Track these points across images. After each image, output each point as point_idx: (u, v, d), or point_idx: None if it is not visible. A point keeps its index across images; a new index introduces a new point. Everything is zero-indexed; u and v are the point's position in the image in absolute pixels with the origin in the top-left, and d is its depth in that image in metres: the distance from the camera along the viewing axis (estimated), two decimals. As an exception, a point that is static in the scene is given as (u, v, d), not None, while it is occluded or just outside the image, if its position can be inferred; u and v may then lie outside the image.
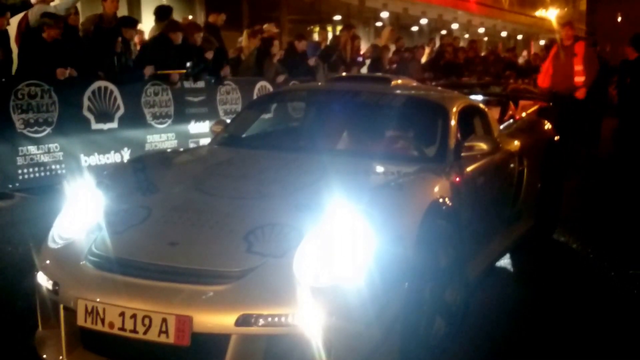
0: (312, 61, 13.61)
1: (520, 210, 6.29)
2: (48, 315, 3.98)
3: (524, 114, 7.98)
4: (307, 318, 3.42)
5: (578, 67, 11.90)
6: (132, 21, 11.03)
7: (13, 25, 9.68)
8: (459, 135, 5.35)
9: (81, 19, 10.79)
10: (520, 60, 22.71)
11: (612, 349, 4.64)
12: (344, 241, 3.68)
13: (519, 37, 47.59)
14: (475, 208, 5.09)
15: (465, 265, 4.73)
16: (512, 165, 6.08)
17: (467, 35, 34.00)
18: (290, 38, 20.30)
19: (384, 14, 33.53)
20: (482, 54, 21.00)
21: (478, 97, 7.73)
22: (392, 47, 17.15)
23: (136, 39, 11.92)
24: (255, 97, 12.17)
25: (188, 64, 11.00)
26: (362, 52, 15.94)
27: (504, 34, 46.04)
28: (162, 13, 11.88)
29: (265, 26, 13.82)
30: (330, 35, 18.98)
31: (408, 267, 3.85)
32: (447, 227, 4.41)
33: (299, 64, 13.53)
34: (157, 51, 10.53)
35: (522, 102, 8.70)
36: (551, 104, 10.24)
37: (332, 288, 3.52)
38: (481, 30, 43.20)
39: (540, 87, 12.14)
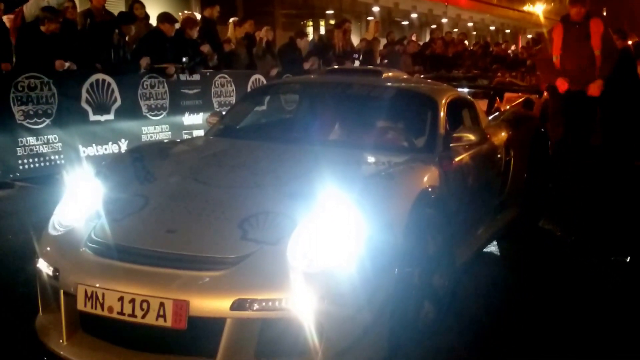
0: (308, 64, 13.68)
1: (507, 199, 6.36)
2: (48, 300, 4.05)
3: (508, 107, 8.03)
4: (300, 302, 3.49)
5: (597, 52, 8.69)
6: (130, 17, 11.15)
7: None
8: (447, 126, 5.43)
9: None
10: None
11: (594, 331, 4.70)
12: (335, 229, 3.75)
13: (507, 31, 47.72)
14: (463, 197, 5.16)
15: (453, 252, 4.80)
16: (499, 155, 6.14)
17: (456, 30, 34.06)
18: (284, 32, 20.40)
19: (376, 9, 33.59)
20: (471, 47, 21.10)
21: (464, 90, 7.78)
22: (383, 41, 17.25)
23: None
24: (249, 89, 12.27)
25: (184, 59, 11.10)
26: (355, 46, 16.03)
27: (492, 28, 46.17)
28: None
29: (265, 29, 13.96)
30: (322, 30, 19.03)
31: (397, 253, 3.92)
32: (436, 215, 4.48)
33: (297, 61, 13.62)
34: (151, 44, 10.63)
35: (507, 95, 8.76)
36: (545, 95, 9.93)
37: (324, 273, 3.60)
38: (470, 24, 43.31)
39: (547, 84, 9.15)
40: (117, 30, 10.36)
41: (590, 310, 5.11)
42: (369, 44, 16.10)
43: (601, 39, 8.64)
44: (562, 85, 8.69)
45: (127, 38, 10.93)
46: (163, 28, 10.80)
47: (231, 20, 13.83)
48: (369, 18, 32.29)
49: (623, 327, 4.82)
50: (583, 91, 8.68)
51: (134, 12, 11.70)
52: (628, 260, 6.26)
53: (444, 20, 39.80)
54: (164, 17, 11.01)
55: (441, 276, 4.59)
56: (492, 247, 6.43)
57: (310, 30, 28.92)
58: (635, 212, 7.90)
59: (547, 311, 5.07)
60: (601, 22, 8.82)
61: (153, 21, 11.92)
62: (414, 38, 19.72)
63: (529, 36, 34.85)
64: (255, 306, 3.48)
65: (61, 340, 3.86)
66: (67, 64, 9.35)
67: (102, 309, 3.60)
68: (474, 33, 41.60)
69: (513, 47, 27.02)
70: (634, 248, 6.54)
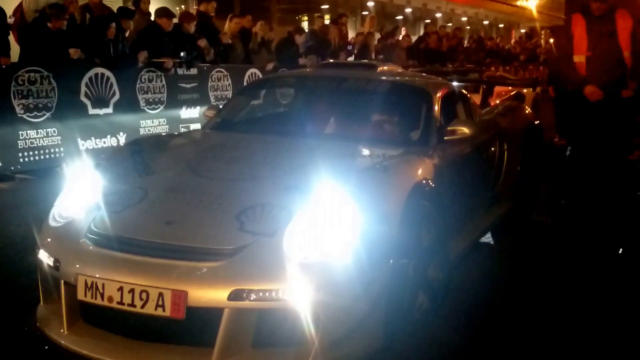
0: (303, 60, 13.70)
1: (500, 192, 6.40)
2: (49, 290, 4.09)
3: (497, 101, 8.02)
4: (297, 293, 3.54)
5: (627, 53, 7.02)
6: (129, 12, 11.22)
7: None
8: (442, 119, 5.45)
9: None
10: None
11: (587, 323, 4.74)
12: (331, 220, 3.79)
13: (501, 25, 47.70)
14: (458, 189, 5.19)
15: (447, 244, 4.85)
16: (492, 148, 6.20)
17: (450, 24, 34.07)
18: (280, 27, 20.37)
19: (370, 3, 33.55)
20: (465, 42, 21.14)
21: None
22: (377, 35, 17.28)
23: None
24: (245, 83, 12.33)
25: (182, 54, 11.19)
26: (349, 39, 16.04)
27: (486, 22, 46.14)
28: None
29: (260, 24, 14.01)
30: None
31: (392, 245, 3.96)
32: (430, 207, 4.52)
33: (294, 57, 13.65)
34: (149, 39, 10.71)
35: (497, 89, 8.73)
36: (538, 90, 9.64)
37: (320, 265, 3.64)
38: (464, 18, 43.29)
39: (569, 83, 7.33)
40: (114, 24, 10.41)
41: (583, 301, 5.15)
42: (365, 38, 16.11)
43: (630, 36, 6.99)
44: (593, 94, 7.00)
45: (127, 33, 10.99)
46: (160, 22, 10.88)
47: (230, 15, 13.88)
48: (364, 13, 32.26)
49: (617, 317, 4.86)
50: (612, 98, 7.05)
51: (141, 6, 11.78)
52: (620, 252, 6.29)
53: (438, 15, 39.81)
54: (161, 12, 11.09)
55: (436, 268, 4.63)
56: (486, 239, 6.47)
57: (305, 25, 28.91)
58: (628, 205, 7.93)
59: (540, 303, 5.11)
60: (629, 16, 7.12)
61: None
62: (403, 32, 19.74)
63: (522, 30, 34.83)
64: (253, 296, 3.52)
65: (62, 330, 3.91)
66: (79, 52, 9.50)
67: (102, 299, 3.65)
68: (468, 27, 41.54)
69: (513, 42, 27.01)
70: (627, 240, 6.57)
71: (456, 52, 17.88)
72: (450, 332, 4.54)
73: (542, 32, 30.44)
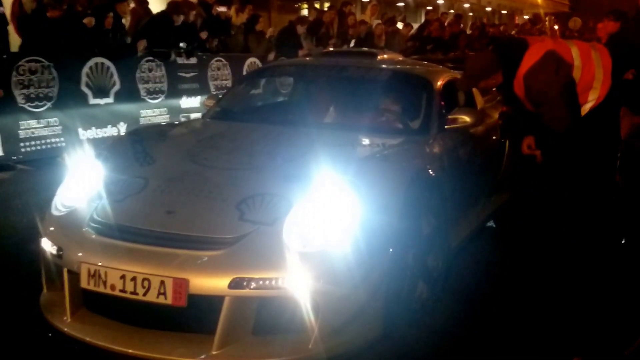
0: (302, 52, 13.69)
1: (502, 181, 6.39)
2: (52, 278, 4.13)
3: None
4: (296, 281, 3.57)
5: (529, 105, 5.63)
6: None
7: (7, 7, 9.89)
8: (443, 108, 5.44)
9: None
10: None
11: (588, 313, 4.76)
12: (331, 210, 3.82)
13: (504, 12, 47.44)
14: (458, 178, 5.18)
15: (447, 233, 4.86)
16: (494, 137, 6.18)
17: (452, 11, 33.90)
18: (279, 15, 20.29)
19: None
20: (468, 29, 21.05)
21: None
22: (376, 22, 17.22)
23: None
24: (245, 72, 12.34)
25: (182, 44, 11.22)
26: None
27: (488, 9, 45.91)
28: None
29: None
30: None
31: (392, 234, 3.98)
32: (430, 196, 4.53)
33: (295, 46, 13.65)
34: (157, 30, 10.76)
35: None
36: None
37: (319, 253, 3.67)
38: (466, 5, 43.07)
39: None
40: (111, 14, 10.43)
41: (585, 290, 5.16)
42: (370, 28, 16.03)
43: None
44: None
45: (123, 20, 10.99)
46: (175, 18, 11.01)
47: (234, 6, 13.88)
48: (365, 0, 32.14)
49: (617, 310, 4.86)
50: None
51: None
52: (623, 242, 6.27)
53: (440, 2, 39.62)
54: (176, 7, 11.16)
55: (436, 257, 4.66)
56: (487, 229, 6.46)
57: (305, 13, 28.78)
58: (631, 195, 7.91)
59: (540, 292, 5.13)
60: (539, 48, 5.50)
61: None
62: (400, 26, 19.68)
63: (526, 17, 34.68)
64: (253, 285, 3.56)
65: (65, 318, 3.94)
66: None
67: (105, 287, 3.69)
68: (470, 14, 41.33)
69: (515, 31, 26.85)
70: (629, 230, 6.57)
71: (458, 39, 17.77)
72: (450, 321, 4.58)
73: (547, 18, 30.33)
